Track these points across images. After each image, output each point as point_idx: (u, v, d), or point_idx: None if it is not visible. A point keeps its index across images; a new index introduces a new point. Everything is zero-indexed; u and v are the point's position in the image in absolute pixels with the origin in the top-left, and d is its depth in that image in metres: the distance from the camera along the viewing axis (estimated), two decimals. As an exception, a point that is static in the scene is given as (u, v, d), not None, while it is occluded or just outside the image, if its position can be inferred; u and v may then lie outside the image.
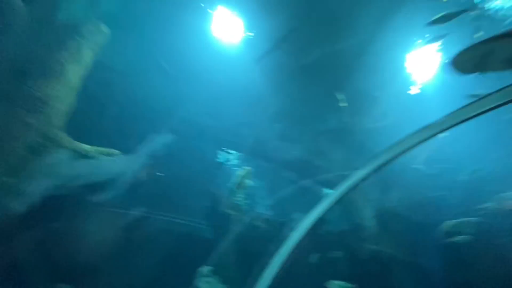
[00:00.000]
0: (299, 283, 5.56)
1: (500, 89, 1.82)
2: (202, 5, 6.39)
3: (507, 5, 5.97)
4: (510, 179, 5.91)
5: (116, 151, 6.09)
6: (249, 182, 4.36)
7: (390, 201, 6.78)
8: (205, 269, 4.89)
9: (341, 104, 5.92)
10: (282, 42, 6.43)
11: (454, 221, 5.61)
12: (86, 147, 5.48)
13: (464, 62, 1.79)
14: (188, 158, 7.92)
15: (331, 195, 3.02)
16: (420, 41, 5.96)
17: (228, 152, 9.27)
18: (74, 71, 5.12)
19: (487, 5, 5.66)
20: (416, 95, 6.75)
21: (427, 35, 6.00)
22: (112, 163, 5.59)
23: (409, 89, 6.77)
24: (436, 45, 5.78)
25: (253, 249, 5.59)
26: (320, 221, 7.35)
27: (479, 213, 5.79)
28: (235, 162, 8.82)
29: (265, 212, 8.03)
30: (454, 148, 6.17)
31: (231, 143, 9.03)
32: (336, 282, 5.06)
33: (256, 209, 8.01)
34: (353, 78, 6.26)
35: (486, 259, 5.45)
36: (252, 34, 6.88)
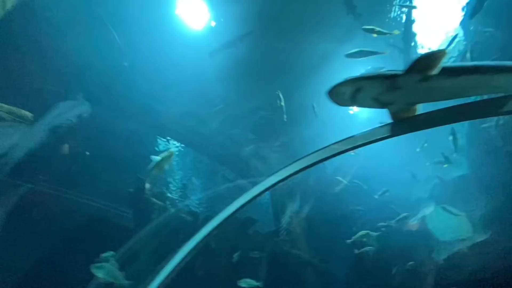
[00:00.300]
0: (214, 279, 5.42)
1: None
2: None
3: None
4: (409, 202, 6.94)
5: (28, 114, 5.18)
6: (168, 166, 4.01)
7: (313, 209, 7.22)
8: (106, 254, 4.36)
9: (281, 104, 6.12)
10: (237, 41, 6.45)
11: (360, 233, 6.26)
12: (-16, 100, 4.52)
13: (338, 95, 1.88)
14: (121, 138, 7.21)
15: (245, 195, 2.93)
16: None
17: (169, 141, 8.76)
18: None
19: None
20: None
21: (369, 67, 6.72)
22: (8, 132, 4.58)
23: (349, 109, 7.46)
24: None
25: (172, 240, 5.29)
26: (251, 221, 7.34)
27: (381, 229, 6.63)
28: (176, 151, 8.38)
29: (196, 206, 7.75)
30: (375, 167, 6.94)
31: (174, 132, 8.57)
32: (247, 279, 5.06)
33: (186, 201, 7.67)
34: (299, 87, 6.59)
35: (382, 269, 6.22)
36: (215, 23, 6.75)
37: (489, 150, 6.43)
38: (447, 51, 1.61)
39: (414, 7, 6.57)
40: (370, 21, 5.79)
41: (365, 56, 5.46)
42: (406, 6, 6.50)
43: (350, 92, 1.82)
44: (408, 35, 6.95)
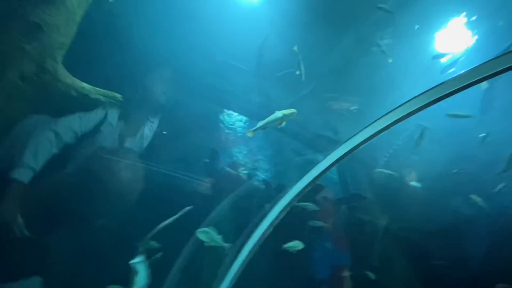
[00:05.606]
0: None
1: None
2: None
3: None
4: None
5: (118, 95, 5.89)
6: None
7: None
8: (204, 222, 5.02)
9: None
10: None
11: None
12: (86, 86, 5.07)
13: None
14: (189, 115, 7.77)
15: (322, 163, 3.00)
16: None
17: (234, 116, 9.20)
18: (77, 1, 4.50)
19: None
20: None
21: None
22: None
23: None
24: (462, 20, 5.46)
25: (251, 206, 5.75)
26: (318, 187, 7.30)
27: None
28: (241, 125, 8.80)
29: (267, 176, 8.12)
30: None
31: (239, 107, 8.91)
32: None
33: (258, 173, 8.08)
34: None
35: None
36: None
37: None
38: None
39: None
40: None
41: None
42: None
43: None
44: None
